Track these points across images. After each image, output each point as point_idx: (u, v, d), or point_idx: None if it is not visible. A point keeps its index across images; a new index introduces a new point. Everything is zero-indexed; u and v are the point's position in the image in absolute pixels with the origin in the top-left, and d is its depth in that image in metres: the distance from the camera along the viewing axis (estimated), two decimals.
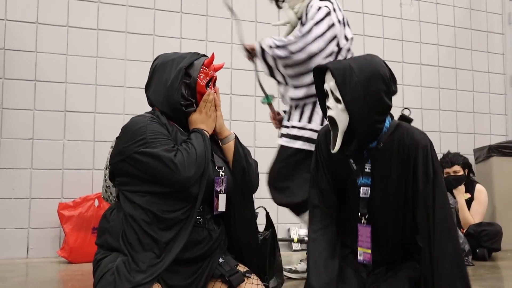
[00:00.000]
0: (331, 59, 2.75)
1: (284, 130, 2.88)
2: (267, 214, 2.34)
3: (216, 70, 2.02)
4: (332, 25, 2.75)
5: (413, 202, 1.83)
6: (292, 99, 2.84)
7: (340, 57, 2.81)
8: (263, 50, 2.83)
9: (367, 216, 1.87)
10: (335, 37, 2.77)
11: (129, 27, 4.21)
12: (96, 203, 3.78)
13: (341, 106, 1.79)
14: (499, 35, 5.60)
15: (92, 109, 4.05)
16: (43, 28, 3.97)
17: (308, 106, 2.82)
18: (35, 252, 3.81)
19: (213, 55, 1.99)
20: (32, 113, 3.89)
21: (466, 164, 4.16)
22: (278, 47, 2.76)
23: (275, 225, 2.32)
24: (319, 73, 1.90)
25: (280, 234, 4.36)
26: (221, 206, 1.90)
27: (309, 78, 2.71)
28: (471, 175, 4.22)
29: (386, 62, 1.86)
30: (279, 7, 3.05)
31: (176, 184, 1.75)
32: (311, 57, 2.71)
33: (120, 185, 1.85)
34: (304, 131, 2.78)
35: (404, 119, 1.99)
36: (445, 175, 4.02)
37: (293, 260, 3.18)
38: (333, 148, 1.83)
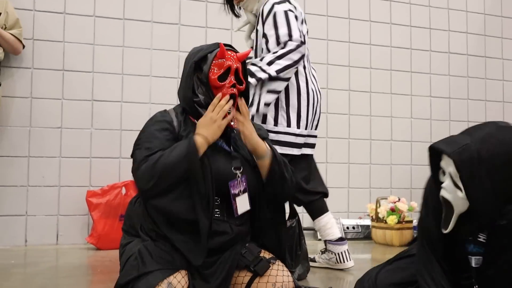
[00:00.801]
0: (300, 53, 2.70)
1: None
2: (290, 203, 2.33)
3: (239, 59, 1.86)
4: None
5: None
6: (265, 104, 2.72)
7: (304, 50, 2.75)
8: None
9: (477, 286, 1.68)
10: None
11: (155, 16, 4.23)
12: (123, 191, 3.83)
13: (461, 194, 1.53)
14: None
15: (119, 98, 4.10)
16: (70, 18, 4.01)
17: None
18: (64, 238, 3.89)
19: (221, 45, 1.82)
20: (60, 102, 3.95)
21: None
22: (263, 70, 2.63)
23: (300, 215, 2.32)
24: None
25: (306, 223, 4.35)
26: (241, 207, 1.82)
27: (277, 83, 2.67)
28: None
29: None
30: (237, 16, 3.13)
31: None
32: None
33: None
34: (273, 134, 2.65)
35: None
36: None
37: (318, 249, 3.20)
38: (446, 228, 1.60)
